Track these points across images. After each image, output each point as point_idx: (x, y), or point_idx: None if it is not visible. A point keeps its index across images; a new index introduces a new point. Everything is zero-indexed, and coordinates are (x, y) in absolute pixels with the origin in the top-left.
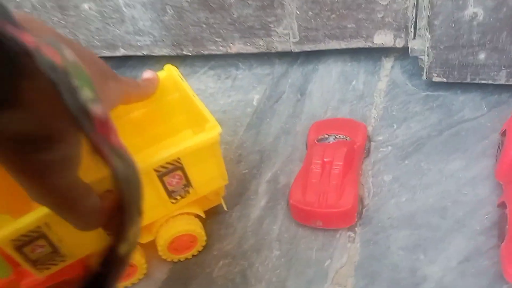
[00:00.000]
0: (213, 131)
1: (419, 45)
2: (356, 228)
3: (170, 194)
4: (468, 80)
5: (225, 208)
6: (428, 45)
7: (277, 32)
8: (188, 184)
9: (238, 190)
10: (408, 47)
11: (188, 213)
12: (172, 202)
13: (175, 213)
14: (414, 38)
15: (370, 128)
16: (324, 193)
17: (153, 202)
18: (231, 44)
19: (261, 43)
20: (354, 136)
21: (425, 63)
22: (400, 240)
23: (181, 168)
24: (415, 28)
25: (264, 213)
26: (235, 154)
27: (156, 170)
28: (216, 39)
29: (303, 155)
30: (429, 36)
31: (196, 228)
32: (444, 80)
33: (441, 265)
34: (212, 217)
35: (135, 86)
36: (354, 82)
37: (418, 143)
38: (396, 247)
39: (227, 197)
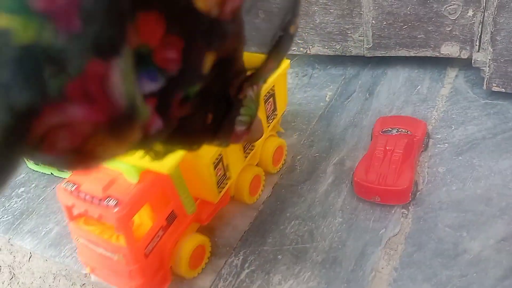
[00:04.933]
0: (284, 62)
1: (481, 57)
2: (409, 207)
3: (267, 118)
4: None
5: (282, 130)
6: (489, 58)
7: (353, 38)
8: (275, 108)
9: (309, 169)
10: (472, 59)
11: (273, 135)
12: (268, 126)
13: (267, 136)
14: (478, 51)
15: (430, 127)
16: (384, 175)
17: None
18: (310, 46)
19: (338, 47)
20: (415, 131)
21: (486, 74)
22: (447, 220)
23: (273, 95)
24: (479, 41)
25: (330, 189)
26: (308, 140)
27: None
28: (299, 41)
29: (368, 145)
30: (491, 50)
31: (283, 141)
32: (503, 90)
33: (481, 242)
34: (285, 187)
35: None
36: (419, 87)
37: (473, 143)
38: (443, 225)
39: (299, 173)
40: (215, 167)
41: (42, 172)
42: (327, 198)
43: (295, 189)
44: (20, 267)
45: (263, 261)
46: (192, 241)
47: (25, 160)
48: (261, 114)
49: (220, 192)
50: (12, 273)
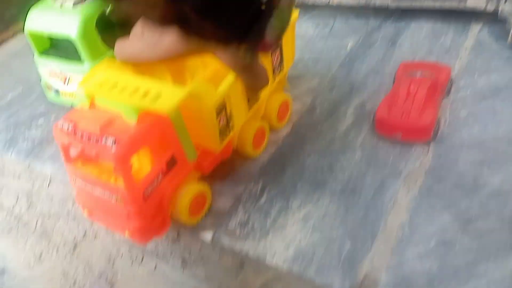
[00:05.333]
0: (294, 13)
1: (508, 8)
2: (430, 145)
3: (273, 70)
4: None
5: (287, 86)
6: None
7: None
8: (281, 60)
9: (329, 111)
10: (497, 12)
11: (279, 90)
12: (273, 78)
13: (273, 89)
14: (505, 2)
15: (453, 74)
16: (407, 112)
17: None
18: None
19: None
20: (438, 75)
21: None
22: (469, 156)
23: (280, 46)
24: None
25: (350, 128)
26: (329, 85)
27: None
28: None
29: (389, 91)
30: None
31: (289, 97)
32: None
33: (501, 177)
34: (305, 126)
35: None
36: (442, 39)
37: (495, 90)
38: (464, 161)
39: (319, 113)
40: (218, 114)
41: (62, 105)
42: (347, 136)
43: (315, 128)
44: (39, 194)
45: (282, 188)
46: (192, 189)
47: (45, 93)
48: (267, 65)
49: (223, 141)
50: (29, 201)
